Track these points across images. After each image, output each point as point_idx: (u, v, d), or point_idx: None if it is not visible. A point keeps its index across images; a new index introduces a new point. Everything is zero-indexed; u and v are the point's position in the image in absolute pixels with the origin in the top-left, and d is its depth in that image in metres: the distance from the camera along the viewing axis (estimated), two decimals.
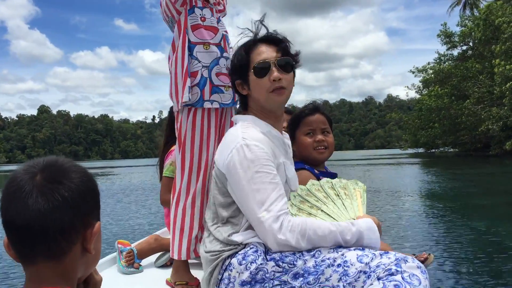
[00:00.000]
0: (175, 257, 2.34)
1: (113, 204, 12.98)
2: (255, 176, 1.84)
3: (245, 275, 1.77)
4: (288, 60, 2.02)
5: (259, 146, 1.88)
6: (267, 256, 1.79)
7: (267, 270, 1.76)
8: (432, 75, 43.91)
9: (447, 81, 39.79)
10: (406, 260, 1.62)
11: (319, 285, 1.68)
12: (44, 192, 0.96)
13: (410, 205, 9.92)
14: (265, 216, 1.79)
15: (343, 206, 1.98)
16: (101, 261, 2.86)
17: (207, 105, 2.28)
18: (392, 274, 1.57)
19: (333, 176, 2.42)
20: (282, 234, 1.76)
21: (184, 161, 2.31)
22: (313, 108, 2.52)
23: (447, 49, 44.24)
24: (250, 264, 1.78)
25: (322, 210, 1.96)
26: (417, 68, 47.41)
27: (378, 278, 1.58)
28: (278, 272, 1.75)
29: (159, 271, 2.82)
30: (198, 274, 2.37)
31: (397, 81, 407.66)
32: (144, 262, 2.96)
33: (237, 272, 1.80)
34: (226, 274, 1.84)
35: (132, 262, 2.81)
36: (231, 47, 2.39)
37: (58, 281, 0.99)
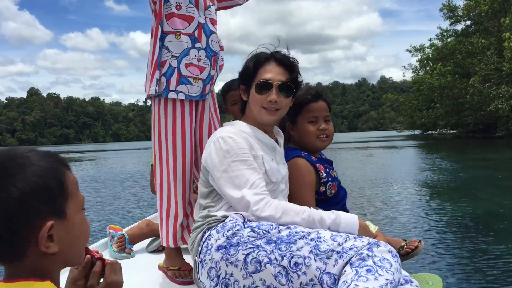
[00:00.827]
0: (164, 244, 2.41)
1: (104, 190, 12.48)
2: (232, 165, 1.97)
3: (222, 240, 1.84)
4: (290, 87, 2.12)
5: (233, 138, 2.02)
6: (245, 225, 1.86)
7: (242, 235, 1.81)
8: (433, 53, 42.27)
9: (450, 58, 37.77)
10: (378, 245, 1.66)
11: (290, 253, 1.71)
12: None
13: (417, 195, 9.20)
14: (245, 192, 1.92)
15: None
16: (92, 246, 2.89)
17: (171, 95, 2.31)
18: (363, 259, 1.61)
19: (329, 163, 2.52)
20: (257, 206, 1.90)
21: (161, 151, 2.37)
22: (316, 94, 2.47)
23: (450, 24, 42.98)
24: (228, 231, 1.85)
25: None
26: (414, 47, 46.45)
27: (351, 263, 1.61)
28: (253, 237, 1.80)
29: (151, 256, 2.86)
30: (190, 259, 2.39)
31: (390, 63, 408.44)
32: (136, 247, 2.97)
33: (215, 239, 1.87)
34: (205, 244, 1.91)
35: (124, 247, 2.84)
36: (218, 38, 2.40)
37: (31, 276, 0.98)
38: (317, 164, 2.38)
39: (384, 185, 10.62)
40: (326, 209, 2.12)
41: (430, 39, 44.01)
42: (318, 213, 1.90)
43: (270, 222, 1.87)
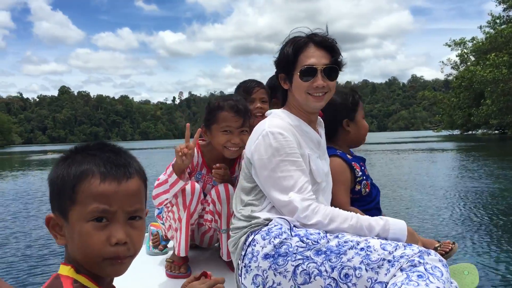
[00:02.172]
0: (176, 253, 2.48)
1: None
2: (281, 165, 1.93)
3: (269, 248, 1.81)
4: (335, 69, 2.07)
5: (283, 135, 1.97)
6: (292, 232, 1.83)
7: (291, 244, 1.78)
8: (484, 42, 37.92)
9: (504, 47, 33.45)
10: (429, 253, 1.65)
11: (341, 264, 1.70)
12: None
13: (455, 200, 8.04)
14: (292, 196, 1.90)
15: None
16: None
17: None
18: (415, 266, 1.60)
19: (363, 160, 2.57)
20: (304, 213, 1.88)
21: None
22: (359, 96, 2.57)
23: (504, 10, 39.46)
24: (274, 238, 1.82)
25: None
26: (454, 40, 43.61)
27: (401, 269, 1.61)
28: (302, 247, 1.77)
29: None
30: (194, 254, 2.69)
31: (421, 62, 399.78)
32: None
33: (261, 246, 1.83)
34: (249, 249, 1.88)
35: (158, 244, 2.88)
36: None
37: (65, 260, 1.10)
38: (353, 163, 2.41)
39: (421, 188, 9.61)
40: (360, 207, 2.33)
41: (481, 27, 40.34)
42: (366, 219, 1.88)
43: (317, 228, 1.86)
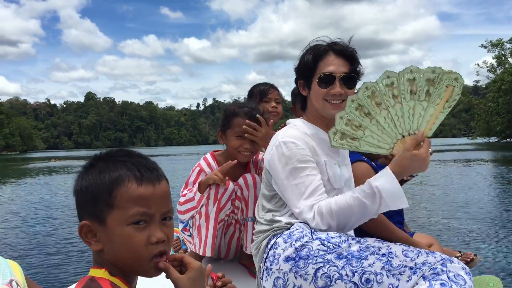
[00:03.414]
0: (201, 253, 2.51)
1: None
2: (293, 172, 1.98)
3: (290, 251, 1.83)
4: (353, 78, 2.08)
5: (295, 143, 2.01)
6: (313, 236, 1.85)
7: (312, 248, 1.80)
8: None
9: None
10: (452, 261, 1.65)
11: (362, 269, 1.70)
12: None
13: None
14: (300, 207, 1.94)
15: (408, 114, 1.83)
16: None
17: None
18: (437, 274, 1.60)
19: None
20: (315, 221, 1.90)
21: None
22: None
23: None
24: (295, 241, 1.84)
25: (369, 130, 1.88)
26: (490, 41, 41.28)
27: (424, 277, 1.61)
28: (323, 250, 1.78)
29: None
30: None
31: (448, 68, 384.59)
32: None
33: (282, 249, 1.86)
34: (271, 252, 1.91)
35: (179, 248, 3.03)
36: None
37: (96, 264, 1.13)
38: (378, 170, 2.30)
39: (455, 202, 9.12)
40: (384, 213, 2.19)
41: None
42: (361, 196, 1.85)
43: (335, 231, 1.89)
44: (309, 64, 2.09)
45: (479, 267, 4.34)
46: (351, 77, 2.07)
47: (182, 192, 2.59)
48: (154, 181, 1.10)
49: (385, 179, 1.82)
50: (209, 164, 2.63)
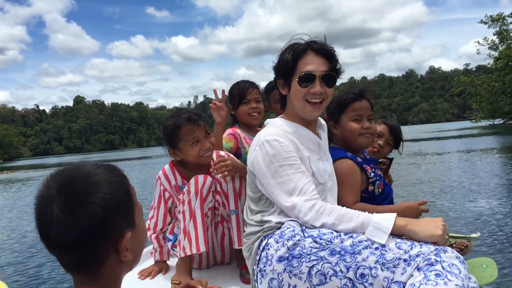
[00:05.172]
0: (194, 251, 2.45)
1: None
2: (279, 170, 1.95)
3: (282, 251, 1.81)
4: (333, 77, 2.08)
5: (279, 141, 1.99)
6: (305, 234, 1.83)
7: (304, 246, 1.78)
8: None
9: None
10: (446, 251, 1.64)
11: (356, 264, 1.69)
12: (62, 227, 1.01)
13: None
14: (295, 200, 1.91)
15: None
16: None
17: None
18: (432, 264, 1.60)
19: (374, 162, 2.55)
20: (308, 216, 1.88)
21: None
22: (359, 93, 2.48)
23: None
24: (287, 241, 1.82)
25: None
26: (491, 16, 39.34)
27: (418, 269, 1.61)
28: (315, 248, 1.77)
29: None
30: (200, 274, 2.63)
31: (438, 53, 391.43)
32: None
33: (274, 250, 1.84)
34: (263, 253, 1.88)
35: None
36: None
37: (95, 284, 1.07)
38: (364, 165, 2.41)
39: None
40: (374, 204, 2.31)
41: None
42: (369, 217, 1.83)
43: (326, 228, 1.87)
44: (288, 63, 2.06)
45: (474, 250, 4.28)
46: (331, 75, 2.07)
47: (149, 215, 2.70)
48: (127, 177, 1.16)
49: (386, 217, 1.81)
50: (169, 181, 2.61)
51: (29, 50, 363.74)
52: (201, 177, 2.43)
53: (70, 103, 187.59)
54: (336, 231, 1.83)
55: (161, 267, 2.71)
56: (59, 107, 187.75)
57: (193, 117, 2.49)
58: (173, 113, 2.60)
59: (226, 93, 3.10)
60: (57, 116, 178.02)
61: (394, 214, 1.83)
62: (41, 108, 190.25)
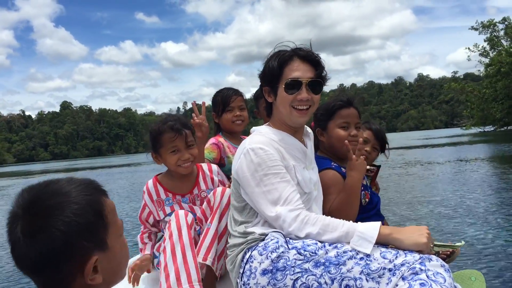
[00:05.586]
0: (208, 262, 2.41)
1: None
2: (264, 179, 1.93)
3: (266, 264, 1.79)
4: (319, 83, 2.09)
5: (264, 149, 1.97)
6: (289, 245, 1.81)
7: (288, 258, 1.77)
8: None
9: None
10: (430, 259, 1.63)
11: (341, 276, 1.68)
12: (23, 248, 1.01)
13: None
14: (279, 210, 1.88)
15: None
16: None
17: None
18: (416, 273, 1.59)
19: None
20: (292, 227, 1.85)
21: None
22: (347, 101, 2.49)
23: None
24: (271, 253, 1.80)
25: None
26: (481, 22, 38.95)
27: (403, 278, 1.60)
28: (300, 260, 1.75)
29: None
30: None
31: (426, 61, 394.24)
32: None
33: (258, 262, 1.82)
34: (247, 266, 1.86)
35: None
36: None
37: None
38: None
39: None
40: (362, 216, 2.31)
41: None
42: (354, 226, 1.83)
43: (310, 238, 1.84)
44: (274, 70, 2.06)
45: (461, 259, 4.30)
46: (317, 82, 2.07)
47: (140, 219, 2.72)
48: (107, 193, 1.15)
49: (370, 226, 1.81)
50: (151, 197, 2.63)
51: (17, 55, 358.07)
52: (181, 212, 2.37)
53: (58, 109, 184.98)
54: (321, 241, 1.81)
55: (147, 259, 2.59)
56: (46, 113, 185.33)
57: (177, 126, 2.50)
58: (161, 118, 2.63)
59: (209, 101, 3.13)
60: (43, 122, 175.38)
61: (379, 223, 1.81)
62: (27, 113, 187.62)
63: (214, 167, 2.74)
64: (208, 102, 3.10)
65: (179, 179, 2.60)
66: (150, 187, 2.63)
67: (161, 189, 2.61)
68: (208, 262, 2.28)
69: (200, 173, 2.67)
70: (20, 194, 1.05)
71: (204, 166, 2.71)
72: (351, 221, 1.85)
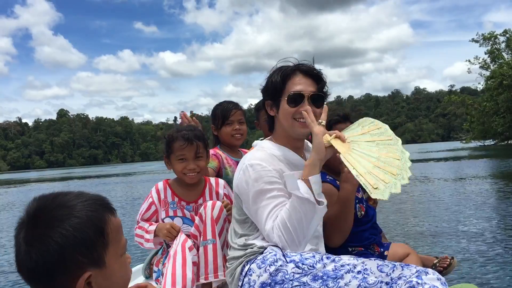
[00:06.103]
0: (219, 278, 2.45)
1: None
2: (259, 195, 1.98)
3: (265, 277, 1.82)
4: (321, 97, 2.14)
5: (262, 165, 2.02)
6: (287, 258, 1.84)
7: (287, 271, 1.79)
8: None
9: None
10: (427, 272, 1.65)
11: None
12: (22, 256, 1.04)
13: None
14: (267, 229, 1.94)
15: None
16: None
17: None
18: (413, 287, 1.60)
19: None
20: (280, 241, 1.90)
21: None
22: (344, 116, 2.59)
23: None
24: (269, 266, 1.83)
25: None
26: (482, 34, 38.80)
27: None
28: (298, 273, 1.77)
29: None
30: None
31: (423, 74, 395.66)
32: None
33: (257, 275, 1.85)
34: (246, 279, 1.89)
35: None
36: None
37: None
38: None
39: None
40: (357, 229, 2.40)
41: None
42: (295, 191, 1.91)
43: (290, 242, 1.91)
44: (277, 84, 2.10)
45: (457, 272, 4.31)
46: (319, 96, 2.11)
47: (137, 220, 2.72)
48: (114, 211, 1.14)
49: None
50: (159, 195, 2.70)
51: (15, 62, 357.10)
52: (182, 237, 2.46)
53: (55, 117, 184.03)
54: (302, 230, 1.87)
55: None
56: (42, 120, 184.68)
57: (188, 135, 2.60)
58: (181, 126, 2.78)
59: (207, 111, 2.83)
60: (39, 130, 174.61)
61: (300, 173, 1.93)
62: (24, 121, 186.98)
63: (221, 181, 2.82)
64: (206, 112, 3.15)
65: (187, 187, 2.69)
66: (160, 187, 2.72)
67: (169, 191, 2.70)
68: (221, 277, 2.35)
69: (207, 185, 2.76)
70: (31, 201, 1.07)
71: (212, 179, 2.79)
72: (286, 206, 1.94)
